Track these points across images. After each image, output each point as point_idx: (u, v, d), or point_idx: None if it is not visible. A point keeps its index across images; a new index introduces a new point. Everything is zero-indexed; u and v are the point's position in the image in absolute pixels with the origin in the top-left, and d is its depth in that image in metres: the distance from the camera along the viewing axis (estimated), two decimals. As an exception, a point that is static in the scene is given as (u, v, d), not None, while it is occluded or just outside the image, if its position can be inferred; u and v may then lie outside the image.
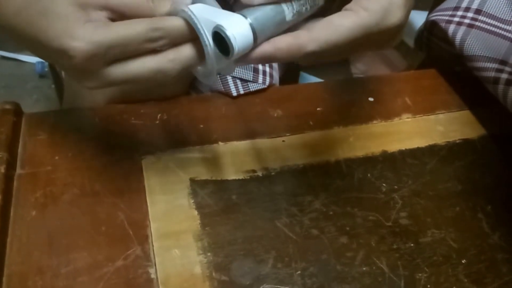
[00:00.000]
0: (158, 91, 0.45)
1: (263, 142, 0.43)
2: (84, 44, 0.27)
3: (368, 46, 0.30)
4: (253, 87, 0.47)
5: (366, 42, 0.28)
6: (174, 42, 0.29)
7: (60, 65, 0.29)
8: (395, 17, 0.28)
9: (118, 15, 0.28)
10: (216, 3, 0.29)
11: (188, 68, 0.30)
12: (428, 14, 0.54)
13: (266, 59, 0.28)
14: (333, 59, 0.30)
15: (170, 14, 0.29)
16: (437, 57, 0.55)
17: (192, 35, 0.29)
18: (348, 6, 0.28)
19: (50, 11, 0.28)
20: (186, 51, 0.29)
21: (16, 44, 0.33)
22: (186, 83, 0.48)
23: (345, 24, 0.27)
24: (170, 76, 0.29)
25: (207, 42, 0.28)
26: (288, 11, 0.28)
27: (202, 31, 0.28)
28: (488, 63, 0.45)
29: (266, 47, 0.28)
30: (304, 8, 0.28)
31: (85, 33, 0.27)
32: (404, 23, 0.29)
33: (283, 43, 0.27)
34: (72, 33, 0.27)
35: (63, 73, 0.54)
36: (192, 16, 0.28)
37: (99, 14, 0.28)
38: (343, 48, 0.28)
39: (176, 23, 0.28)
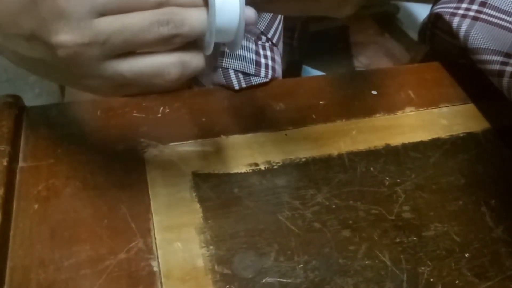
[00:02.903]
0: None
1: (265, 136, 0.43)
2: (81, 28, 0.24)
3: (315, 5, 0.29)
4: (255, 80, 0.47)
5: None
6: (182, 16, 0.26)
7: (53, 59, 0.26)
8: None
9: None
10: None
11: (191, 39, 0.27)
12: (432, 7, 0.53)
13: None
14: (284, 11, 0.29)
15: None
16: (440, 50, 0.54)
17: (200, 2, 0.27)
18: None
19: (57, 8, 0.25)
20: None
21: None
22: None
23: None
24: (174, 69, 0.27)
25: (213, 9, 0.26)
26: None
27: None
28: (493, 56, 0.44)
29: None
30: None
31: (85, 19, 0.24)
32: None
33: None
34: (70, 15, 0.24)
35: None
36: None
37: None
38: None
39: None
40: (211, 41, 0.28)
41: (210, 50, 0.28)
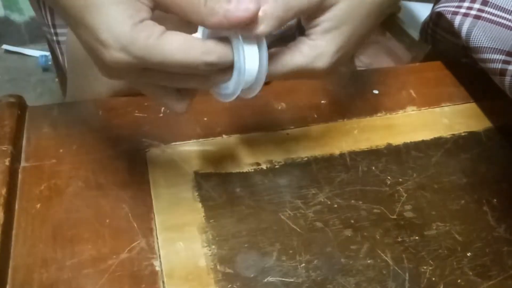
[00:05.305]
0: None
1: (267, 135, 0.43)
2: (126, 57, 0.26)
3: (299, 77, 0.34)
4: (257, 79, 0.47)
5: (298, 75, 0.33)
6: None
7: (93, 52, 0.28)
8: (322, 63, 0.32)
9: (164, 9, 0.28)
10: None
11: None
12: (434, 6, 0.53)
13: None
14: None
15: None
16: (442, 49, 0.54)
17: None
18: (290, 44, 0.32)
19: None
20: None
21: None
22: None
23: (288, 61, 0.32)
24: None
25: (242, 61, 0.29)
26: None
27: (241, 50, 0.29)
28: (495, 55, 0.44)
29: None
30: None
31: (131, 42, 0.26)
32: (332, 70, 0.33)
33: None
34: (119, 35, 0.26)
35: (66, 66, 0.54)
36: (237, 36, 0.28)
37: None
38: (278, 78, 0.33)
39: (228, 54, 0.29)
40: (235, 92, 0.31)
41: (231, 99, 0.32)
